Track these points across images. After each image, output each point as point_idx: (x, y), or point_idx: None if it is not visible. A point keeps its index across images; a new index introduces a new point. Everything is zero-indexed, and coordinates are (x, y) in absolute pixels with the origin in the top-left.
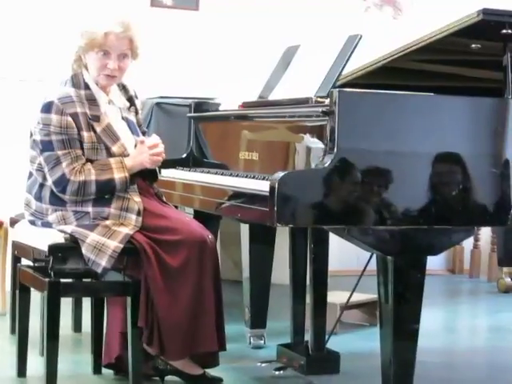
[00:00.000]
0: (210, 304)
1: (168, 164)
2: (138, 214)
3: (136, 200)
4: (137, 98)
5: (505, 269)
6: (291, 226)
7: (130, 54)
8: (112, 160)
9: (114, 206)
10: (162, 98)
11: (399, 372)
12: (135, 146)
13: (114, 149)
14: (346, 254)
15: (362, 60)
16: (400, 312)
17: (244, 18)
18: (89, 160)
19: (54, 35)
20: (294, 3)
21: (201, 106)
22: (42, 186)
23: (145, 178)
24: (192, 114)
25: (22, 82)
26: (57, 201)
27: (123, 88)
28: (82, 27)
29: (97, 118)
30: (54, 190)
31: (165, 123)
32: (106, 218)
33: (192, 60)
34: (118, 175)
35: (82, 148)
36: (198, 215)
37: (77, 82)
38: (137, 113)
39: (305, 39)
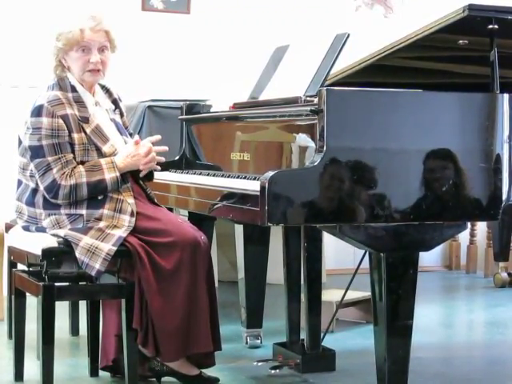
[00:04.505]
0: (204, 305)
1: (161, 166)
2: (132, 215)
3: (129, 202)
4: (120, 100)
5: (501, 264)
6: (282, 225)
7: (108, 46)
8: (103, 161)
9: (108, 206)
10: (153, 101)
11: (394, 368)
12: None
13: (105, 149)
14: (342, 253)
15: (354, 59)
16: (393, 308)
17: (234, 20)
18: (80, 161)
19: (46, 41)
20: (284, 3)
21: (192, 107)
22: (35, 191)
23: (139, 178)
24: (183, 117)
25: (13, 88)
26: (50, 205)
27: (107, 91)
28: (56, 30)
29: (86, 120)
30: (47, 196)
31: (157, 126)
32: (99, 219)
33: (183, 62)
34: (109, 175)
35: (72, 151)
36: (193, 217)
37: (63, 85)
38: (122, 115)
39: (296, 40)
